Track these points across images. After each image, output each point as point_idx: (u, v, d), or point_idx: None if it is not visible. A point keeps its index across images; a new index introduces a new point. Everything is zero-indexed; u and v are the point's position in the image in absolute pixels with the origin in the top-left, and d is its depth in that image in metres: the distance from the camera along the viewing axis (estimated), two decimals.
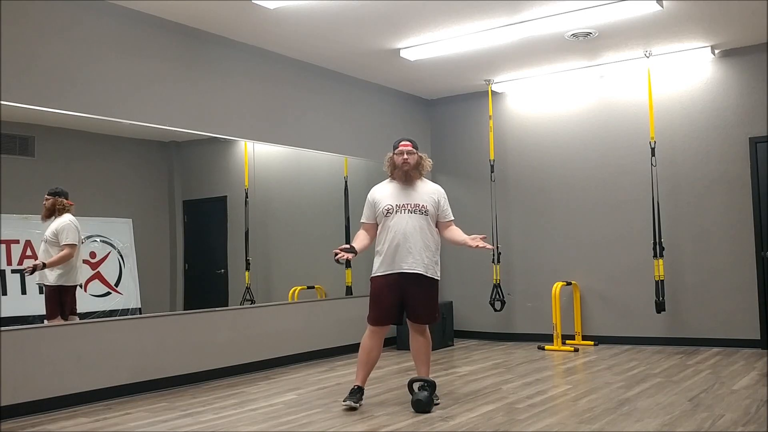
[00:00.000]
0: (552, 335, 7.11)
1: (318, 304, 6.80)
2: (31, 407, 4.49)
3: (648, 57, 6.70)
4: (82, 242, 5.08)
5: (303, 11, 5.42)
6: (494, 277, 7.46)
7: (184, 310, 5.63)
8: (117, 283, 5.26)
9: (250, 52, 6.25)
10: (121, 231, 5.32)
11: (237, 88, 6.11)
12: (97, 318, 5.03)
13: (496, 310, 7.44)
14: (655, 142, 6.78)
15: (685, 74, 6.94)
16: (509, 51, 6.56)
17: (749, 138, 6.60)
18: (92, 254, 5.16)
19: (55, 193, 4.92)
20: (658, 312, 6.53)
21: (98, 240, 5.21)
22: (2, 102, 4.48)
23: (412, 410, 4.26)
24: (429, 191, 4.56)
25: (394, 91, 7.93)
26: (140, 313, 5.32)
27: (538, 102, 7.77)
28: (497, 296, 7.40)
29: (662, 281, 6.48)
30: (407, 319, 4.50)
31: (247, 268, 6.23)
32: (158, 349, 5.30)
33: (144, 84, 5.35)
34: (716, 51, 6.72)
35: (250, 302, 6.17)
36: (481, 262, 7.90)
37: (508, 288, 7.76)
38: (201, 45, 5.81)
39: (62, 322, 4.84)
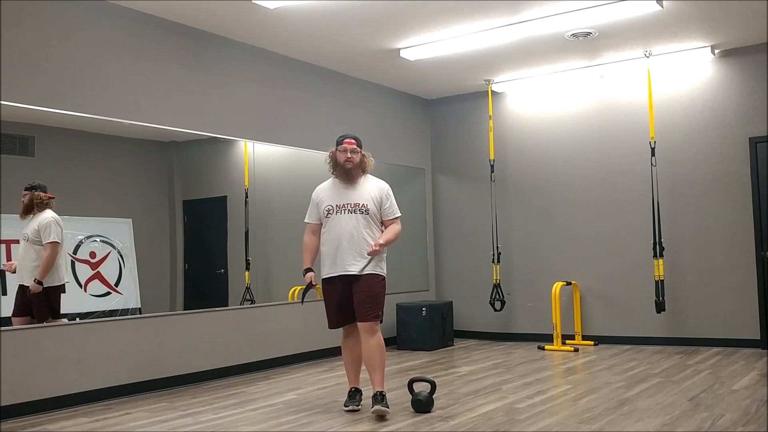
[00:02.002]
0: (552, 335, 7.11)
1: (318, 304, 6.76)
2: (31, 407, 4.49)
3: (648, 57, 6.70)
4: (81, 243, 5.07)
5: (303, 11, 5.42)
6: (494, 277, 7.47)
7: (184, 310, 5.63)
8: (117, 283, 5.25)
9: (250, 52, 6.25)
10: (121, 231, 5.31)
11: (237, 88, 6.11)
12: (97, 318, 5.02)
13: (496, 310, 7.45)
14: (655, 142, 6.78)
15: (685, 74, 6.93)
16: (509, 51, 6.56)
17: (749, 138, 6.60)
18: (92, 254, 5.15)
19: (31, 188, 4.68)
20: (658, 312, 6.53)
21: (98, 240, 5.20)
22: (2, 102, 4.49)
23: (412, 410, 4.26)
24: (371, 189, 4.40)
25: (394, 91, 7.93)
26: (140, 313, 5.31)
27: (538, 102, 7.77)
28: (497, 296, 7.40)
29: (662, 281, 6.48)
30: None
31: (247, 268, 6.23)
32: (158, 349, 5.30)
33: (144, 84, 5.35)
34: (716, 51, 6.72)
35: (250, 302, 6.17)
36: (481, 262, 7.90)
37: (508, 288, 7.76)
38: (201, 45, 5.81)
39: (54, 322, 4.73)
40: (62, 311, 4.87)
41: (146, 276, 5.42)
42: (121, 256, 5.30)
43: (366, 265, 4.26)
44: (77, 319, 4.90)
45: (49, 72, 4.76)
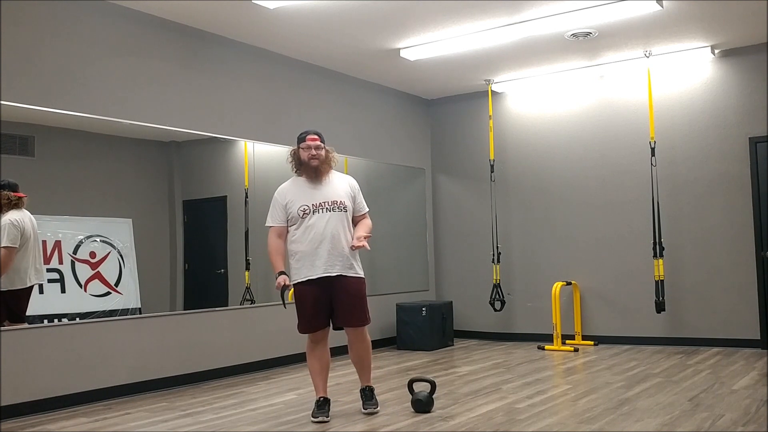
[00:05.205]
0: (552, 335, 7.11)
1: None
2: (31, 407, 4.49)
3: (648, 57, 6.70)
4: (81, 243, 5.07)
5: (303, 11, 5.42)
6: (494, 277, 7.47)
7: (184, 310, 5.63)
8: (117, 283, 5.25)
9: (250, 52, 6.25)
10: (121, 231, 5.31)
11: (237, 88, 6.11)
12: (97, 318, 5.02)
13: (496, 310, 7.45)
14: (655, 142, 6.78)
15: (685, 74, 6.94)
16: (509, 51, 6.56)
17: (749, 138, 6.60)
18: (92, 254, 5.15)
19: (0, 186, 4.42)
20: (658, 312, 6.53)
21: (98, 240, 5.20)
22: (2, 102, 4.49)
23: (412, 410, 4.26)
24: (343, 185, 4.27)
25: (394, 91, 7.93)
26: (140, 313, 5.31)
27: (538, 102, 7.77)
28: (497, 296, 7.40)
29: (662, 281, 6.48)
30: (342, 327, 4.20)
31: (247, 268, 6.23)
32: (158, 349, 5.30)
33: (144, 84, 5.35)
34: (716, 51, 6.72)
35: (250, 302, 6.17)
36: (481, 262, 7.90)
37: (508, 288, 7.76)
38: (201, 45, 5.81)
39: (12, 326, 4.49)
40: (62, 311, 4.87)
41: (146, 276, 5.42)
42: (121, 256, 5.30)
43: (350, 266, 4.13)
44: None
45: (49, 72, 4.76)
